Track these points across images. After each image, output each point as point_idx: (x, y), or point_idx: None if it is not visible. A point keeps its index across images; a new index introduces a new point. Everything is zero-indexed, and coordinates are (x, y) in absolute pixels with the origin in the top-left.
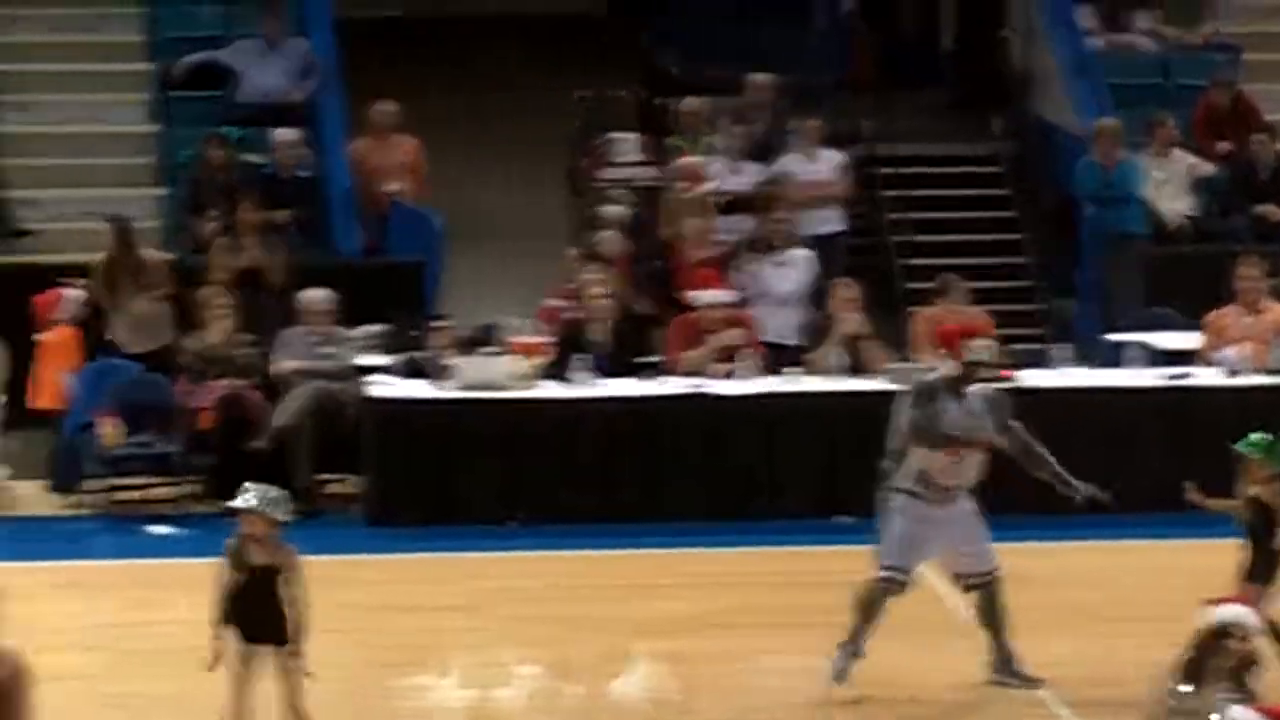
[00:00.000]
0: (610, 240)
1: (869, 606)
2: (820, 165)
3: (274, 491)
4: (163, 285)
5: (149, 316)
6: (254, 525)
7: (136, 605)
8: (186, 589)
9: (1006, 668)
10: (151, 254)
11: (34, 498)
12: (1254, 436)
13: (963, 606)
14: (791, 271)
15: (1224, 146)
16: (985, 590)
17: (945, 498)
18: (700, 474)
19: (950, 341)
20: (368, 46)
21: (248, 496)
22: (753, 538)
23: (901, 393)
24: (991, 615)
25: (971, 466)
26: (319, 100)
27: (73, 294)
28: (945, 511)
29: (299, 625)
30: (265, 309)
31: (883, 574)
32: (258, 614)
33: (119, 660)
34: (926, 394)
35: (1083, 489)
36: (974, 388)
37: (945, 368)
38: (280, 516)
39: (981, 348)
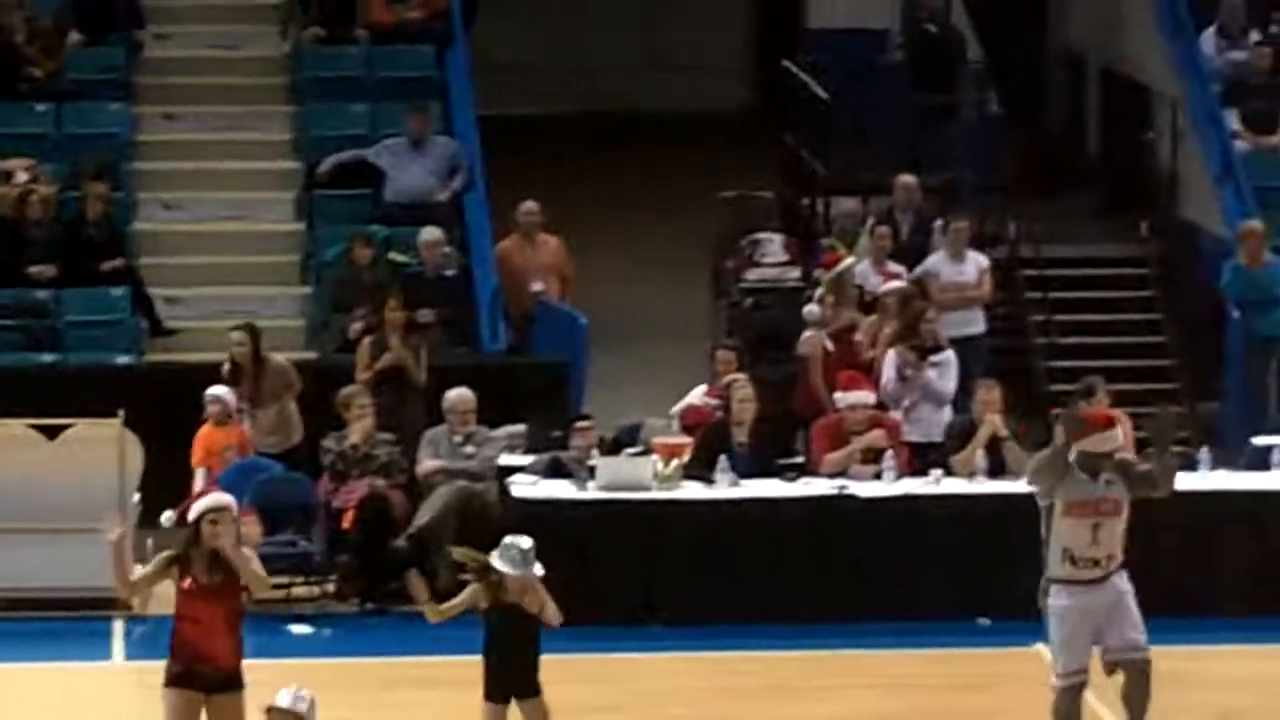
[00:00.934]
0: (811, 340)
1: (1071, 715)
2: (966, 266)
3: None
4: (290, 388)
5: (278, 418)
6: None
7: None
8: (329, 689)
9: None
10: (276, 359)
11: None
12: None
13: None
14: (948, 371)
15: None
16: (1132, 671)
17: (1095, 576)
18: (843, 575)
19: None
20: (511, 145)
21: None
22: (894, 639)
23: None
24: (1135, 698)
25: (1112, 536)
26: (464, 199)
27: (212, 392)
28: (1098, 594)
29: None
30: (408, 408)
31: (1068, 681)
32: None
33: None
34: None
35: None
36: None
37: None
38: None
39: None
